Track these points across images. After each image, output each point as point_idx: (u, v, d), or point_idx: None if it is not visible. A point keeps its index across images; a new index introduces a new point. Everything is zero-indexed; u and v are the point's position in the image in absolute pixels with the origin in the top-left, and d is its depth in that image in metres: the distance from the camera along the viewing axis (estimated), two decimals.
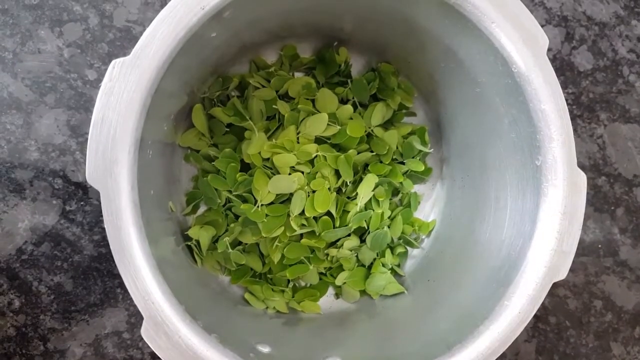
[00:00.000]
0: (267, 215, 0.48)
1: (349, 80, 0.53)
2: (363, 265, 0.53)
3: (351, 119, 0.51)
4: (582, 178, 0.39)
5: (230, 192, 0.50)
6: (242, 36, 0.47)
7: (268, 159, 0.50)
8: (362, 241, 0.53)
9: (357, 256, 0.53)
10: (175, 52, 0.37)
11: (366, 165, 0.53)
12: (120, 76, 0.36)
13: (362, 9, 0.45)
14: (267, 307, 0.51)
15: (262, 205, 0.49)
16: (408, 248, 0.55)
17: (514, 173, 0.43)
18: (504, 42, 0.39)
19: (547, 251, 0.39)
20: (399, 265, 0.54)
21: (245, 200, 0.50)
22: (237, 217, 0.51)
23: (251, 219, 0.49)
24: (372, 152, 0.52)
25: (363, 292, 0.53)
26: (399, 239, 0.54)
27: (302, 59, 0.53)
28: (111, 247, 0.36)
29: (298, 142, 0.50)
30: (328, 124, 0.50)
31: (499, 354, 0.38)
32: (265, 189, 0.49)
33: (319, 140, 0.51)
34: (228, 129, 0.52)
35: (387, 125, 0.54)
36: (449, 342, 0.39)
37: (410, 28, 0.45)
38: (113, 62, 0.36)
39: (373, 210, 0.52)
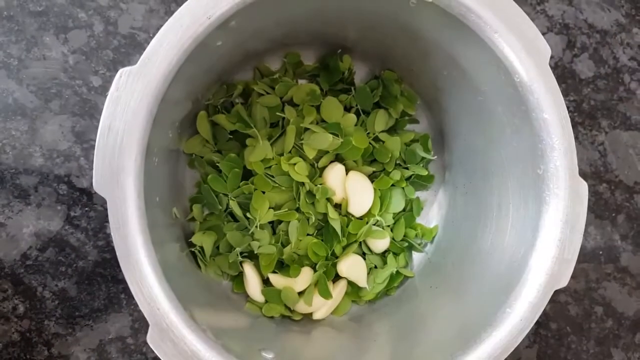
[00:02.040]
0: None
1: (352, 88, 0.53)
2: None
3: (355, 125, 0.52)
4: (583, 187, 0.39)
5: (230, 198, 0.50)
6: (246, 45, 0.47)
7: (270, 166, 0.50)
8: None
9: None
10: (182, 61, 0.37)
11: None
12: (127, 85, 0.36)
13: (365, 18, 0.45)
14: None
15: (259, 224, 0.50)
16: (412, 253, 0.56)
17: (516, 181, 0.43)
18: (507, 52, 0.39)
19: (549, 259, 0.39)
20: (406, 266, 0.54)
21: (245, 207, 0.50)
22: (237, 220, 0.51)
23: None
24: (374, 160, 0.53)
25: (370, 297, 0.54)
26: (402, 241, 0.54)
27: (305, 66, 0.53)
28: (117, 254, 0.36)
29: (302, 150, 0.50)
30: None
31: None
32: (264, 208, 0.49)
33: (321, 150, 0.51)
34: (231, 136, 0.52)
35: (390, 132, 0.54)
36: (451, 349, 0.40)
37: (413, 37, 0.45)
38: (120, 71, 0.36)
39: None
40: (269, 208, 0.50)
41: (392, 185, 0.53)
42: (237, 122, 0.50)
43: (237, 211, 0.49)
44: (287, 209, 0.50)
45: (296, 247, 0.51)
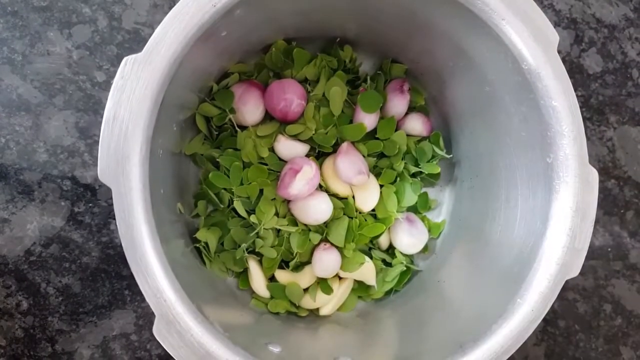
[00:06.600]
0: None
1: (368, 77, 0.53)
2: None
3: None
4: (593, 174, 0.39)
5: (232, 193, 0.50)
6: (250, 37, 0.47)
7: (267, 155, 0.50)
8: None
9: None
10: (187, 50, 0.37)
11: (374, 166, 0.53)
12: (132, 73, 0.36)
13: (370, 8, 0.45)
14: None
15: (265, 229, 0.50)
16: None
17: (525, 171, 0.43)
18: (514, 39, 0.38)
19: (559, 248, 0.38)
20: (412, 262, 0.54)
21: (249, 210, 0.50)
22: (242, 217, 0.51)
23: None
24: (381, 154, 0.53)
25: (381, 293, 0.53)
26: None
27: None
28: (123, 244, 0.36)
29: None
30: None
31: (512, 353, 0.38)
32: (270, 213, 0.49)
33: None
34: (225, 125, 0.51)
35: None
36: (461, 340, 0.39)
37: (419, 27, 0.45)
38: (125, 59, 0.36)
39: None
40: (274, 215, 0.50)
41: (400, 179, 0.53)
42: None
43: (242, 213, 0.49)
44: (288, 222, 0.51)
45: (299, 257, 0.50)
